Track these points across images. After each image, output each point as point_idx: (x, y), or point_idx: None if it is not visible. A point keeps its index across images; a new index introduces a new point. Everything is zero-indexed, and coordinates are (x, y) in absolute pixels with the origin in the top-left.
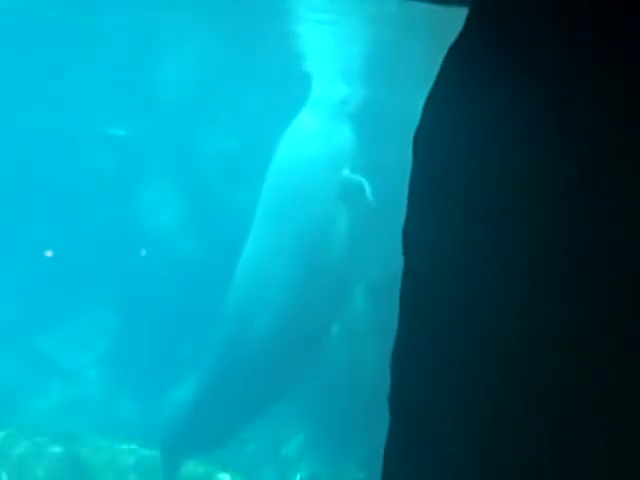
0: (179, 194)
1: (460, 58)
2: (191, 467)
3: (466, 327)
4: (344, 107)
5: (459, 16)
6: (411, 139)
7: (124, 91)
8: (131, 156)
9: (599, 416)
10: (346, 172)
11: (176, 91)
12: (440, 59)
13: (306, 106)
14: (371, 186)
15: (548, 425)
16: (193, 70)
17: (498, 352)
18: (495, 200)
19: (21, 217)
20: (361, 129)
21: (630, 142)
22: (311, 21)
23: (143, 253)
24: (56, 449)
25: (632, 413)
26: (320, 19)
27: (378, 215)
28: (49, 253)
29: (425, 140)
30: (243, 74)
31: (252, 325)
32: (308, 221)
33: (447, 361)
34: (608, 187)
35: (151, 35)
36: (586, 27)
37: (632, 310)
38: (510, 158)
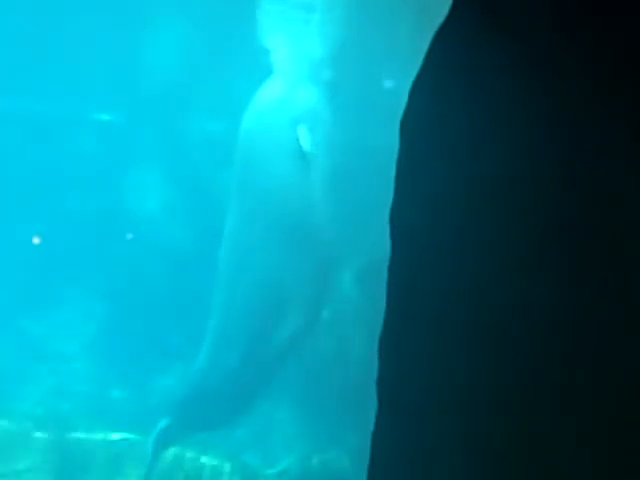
0: (166, 180)
1: (448, 41)
2: (178, 452)
3: (454, 312)
4: (316, 71)
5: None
6: (396, 122)
7: (109, 75)
8: (117, 141)
9: (598, 402)
10: (301, 129)
11: (162, 75)
12: (428, 41)
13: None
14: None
15: (533, 408)
16: (179, 54)
17: (486, 337)
18: (484, 185)
19: (7, 204)
20: (339, 104)
21: (632, 128)
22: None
23: (129, 237)
24: (44, 435)
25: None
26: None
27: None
28: (36, 240)
29: (412, 125)
30: (228, 58)
31: (240, 291)
32: (267, 182)
33: (435, 346)
34: (602, 170)
35: (135, 18)
36: (581, 9)
37: (630, 296)
38: (500, 144)
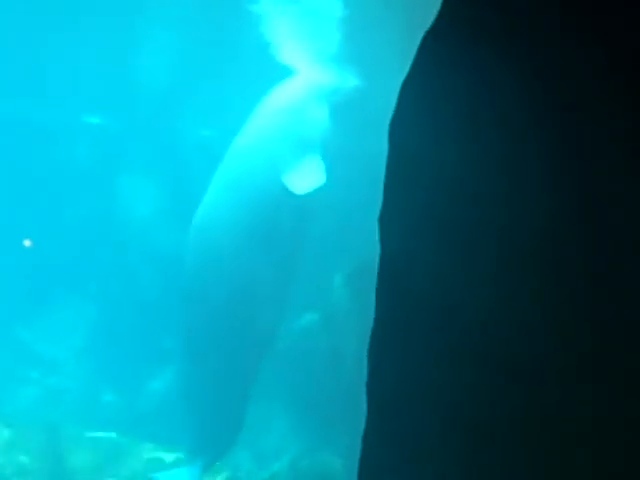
0: (157, 185)
1: (436, 44)
2: (171, 456)
3: (443, 318)
4: (327, 92)
5: (436, 1)
6: (387, 128)
7: (100, 78)
8: (108, 145)
9: (598, 418)
10: (314, 156)
11: (154, 79)
12: (416, 45)
13: (287, 83)
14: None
15: (514, 406)
16: (173, 58)
17: (471, 340)
18: (472, 190)
19: None
20: (339, 115)
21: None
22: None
23: (121, 242)
24: (36, 438)
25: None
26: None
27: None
28: (27, 243)
29: (400, 129)
30: (221, 63)
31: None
32: (261, 192)
33: (423, 351)
34: (602, 169)
35: (128, 20)
36: (581, 9)
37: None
38: (487, 146)
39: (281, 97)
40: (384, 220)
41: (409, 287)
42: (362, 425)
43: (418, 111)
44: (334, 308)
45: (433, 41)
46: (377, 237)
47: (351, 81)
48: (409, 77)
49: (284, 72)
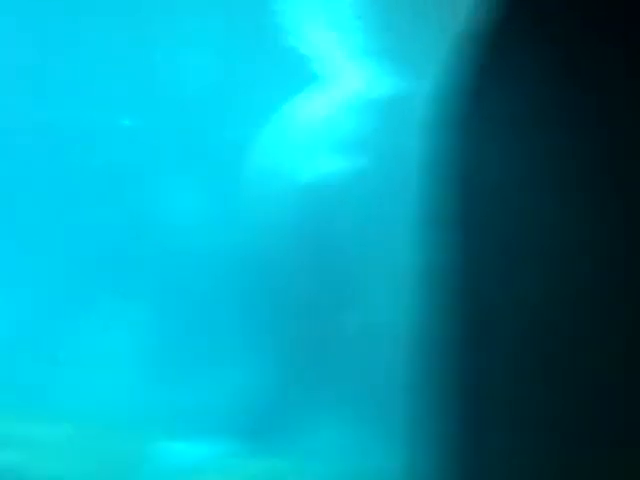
0: (191, 186)
1: (471, 48)
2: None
3: (482, 324)
4: (359, 97)
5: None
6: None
7: (133, 81)
8: (142, 147)
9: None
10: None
11: (187, 81)
12: (454, 48)
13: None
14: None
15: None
16: (204, 59)
17: (529, 350)
18: (521, 190)
19: (43, 212)
20: (372, 119)
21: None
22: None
23: (155, 246)
24: (81, 440)
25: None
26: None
27: None
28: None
29: (435, 134)
30: (251, 64)
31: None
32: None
33: (468, 353)
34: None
35: (157, 21)
36: (611, 13)
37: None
38: (518, 155)
39: (313, 100)
40: (424, 224)
41: (451, 292)
42: (402, 428)
43: (453, 117)
44: (373, 311)
45: (469, 45)
46: (414, 240)
47: (386, 82)
48: (444, 81)
49: (317, 72)
